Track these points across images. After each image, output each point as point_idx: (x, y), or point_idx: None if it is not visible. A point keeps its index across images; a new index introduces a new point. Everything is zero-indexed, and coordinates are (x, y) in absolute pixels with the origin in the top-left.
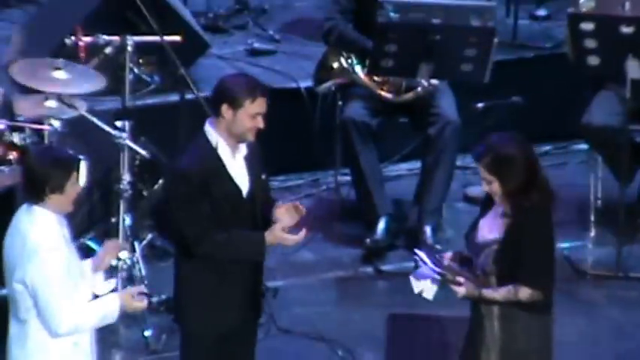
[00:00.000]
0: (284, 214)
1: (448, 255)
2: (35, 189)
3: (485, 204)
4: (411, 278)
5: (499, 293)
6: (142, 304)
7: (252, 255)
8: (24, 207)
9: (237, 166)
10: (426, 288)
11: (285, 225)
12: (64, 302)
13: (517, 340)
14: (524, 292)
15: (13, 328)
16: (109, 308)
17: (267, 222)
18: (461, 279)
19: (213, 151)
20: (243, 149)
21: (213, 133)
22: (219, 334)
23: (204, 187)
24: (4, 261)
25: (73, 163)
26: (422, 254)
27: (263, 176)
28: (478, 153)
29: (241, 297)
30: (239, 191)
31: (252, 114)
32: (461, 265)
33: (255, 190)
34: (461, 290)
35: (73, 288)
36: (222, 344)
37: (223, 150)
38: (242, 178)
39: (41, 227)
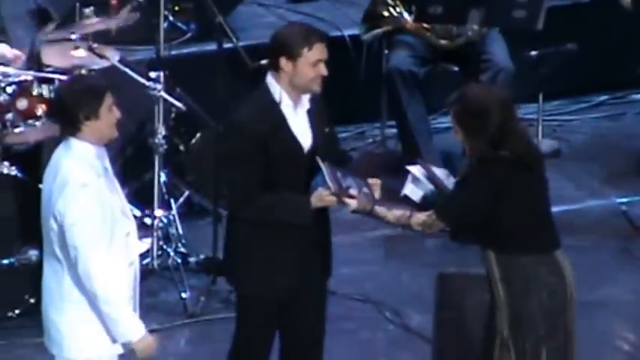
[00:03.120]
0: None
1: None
2: (69, 118)
3: None
4: None
5: (392, 214)
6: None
7: (296, 219)
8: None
9: (299, 121)
10: None
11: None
12: (95, 244)
13: (516, 304)
14: (418, 218)
15: (49, 265)
16: (132, 326)
17: None
18: (354, 192)
19: (275, 106)
20: (305, 103)
21: (276, 88)
22: (277, 296)
23: (261, 144)
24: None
25: (105, 87)
26: (325, 166)
27: (327, 129)
28: (451, 99)
29: (301, 256)
30: (300, 147)
31: (312, 62)
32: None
33: (318, 145)
34: (352, 203)
35: (110, 227)
36: (283, 306)
37: (286, 104)
38: (304, 133)
39: (74, 160)
